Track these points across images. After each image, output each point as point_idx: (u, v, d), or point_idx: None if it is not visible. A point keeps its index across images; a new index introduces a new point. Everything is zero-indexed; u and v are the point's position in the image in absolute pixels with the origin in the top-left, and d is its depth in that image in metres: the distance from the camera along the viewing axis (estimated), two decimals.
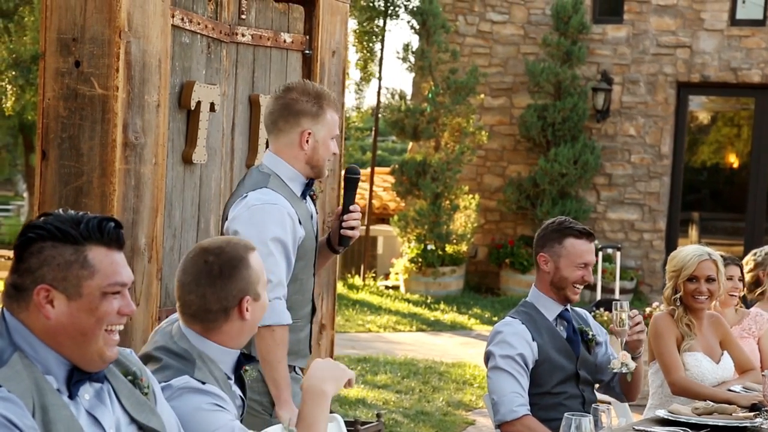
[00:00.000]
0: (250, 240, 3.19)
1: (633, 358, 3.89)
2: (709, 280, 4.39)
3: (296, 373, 3.73)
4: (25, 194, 24.86)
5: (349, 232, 3.74)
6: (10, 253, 12.80)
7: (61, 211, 2.33)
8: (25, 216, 21.90)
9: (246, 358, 2.88)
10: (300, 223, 3.58)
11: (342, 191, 3.82)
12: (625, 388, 4.08)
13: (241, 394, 2.89)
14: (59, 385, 2.28)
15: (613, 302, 3.89)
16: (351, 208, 3.74)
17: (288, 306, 3.58)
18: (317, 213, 3.82)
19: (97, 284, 2.28)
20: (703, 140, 14.75)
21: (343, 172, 3.89)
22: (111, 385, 2.40)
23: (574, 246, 3.93)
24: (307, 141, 3.61)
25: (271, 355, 3.48)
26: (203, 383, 2.70)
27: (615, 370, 3.86)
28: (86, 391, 2.34)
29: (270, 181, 3.61)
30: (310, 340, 3.80)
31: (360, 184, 3.97)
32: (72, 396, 2.30)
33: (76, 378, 2.31)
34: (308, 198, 3.73)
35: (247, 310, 2.76)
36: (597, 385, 4.23)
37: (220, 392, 2.70)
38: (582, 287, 3.97)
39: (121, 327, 2.35)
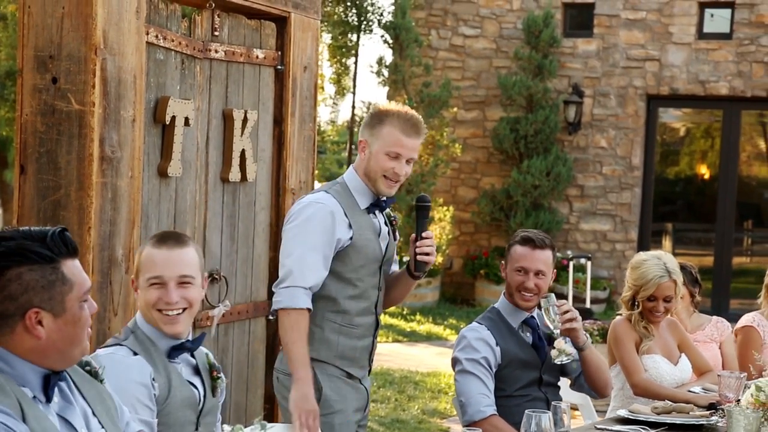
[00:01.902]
0: (288, 235, 3.71)
1: (580, 349, 4.02)
2: (667, 299, 4.53)
3: (350, 378, 3.89)
4: None
5: (425, 258, 3.84)
6: None
7: (10, 229, 2.35)
8: None
9: (192, 343, 3.20)
10: (350, 227, 3.76)
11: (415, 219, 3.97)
12: (590, 382, 4.20)
13: (204, 385, 3.22)
14: (35, 393, 2.34)
15: (541, 299, 4.01)
16: (423, 234, 3.84)
17: (342, 308, 3.78)
18: (395, 238, 3.97)
19: (76, 296, 2.36)
20: (678, 152, 14.96)
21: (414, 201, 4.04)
22: (71, 378, 2.49)
23: (515, 252, 4.12)
24: (364, 150, 3.82)
25: (284, 336, 3.69)
26: (134, 353, 3.07)
27: (555, 361, 3.98)
28: (55, 394, 2.41)
29: (333, 187, 3.85)
30: (371, 354, 3.94)
31: None
32: (49, 399, 2.37)
33: (52, 382, 2.38)
34: (380, 215, 3.89)
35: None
36: (569, 383, 4.36)
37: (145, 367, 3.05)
38: (533, 295, 4.08)
39: None
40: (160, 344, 3.15)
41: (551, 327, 3.97)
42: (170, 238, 3.18)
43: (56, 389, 2.43)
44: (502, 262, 4.19)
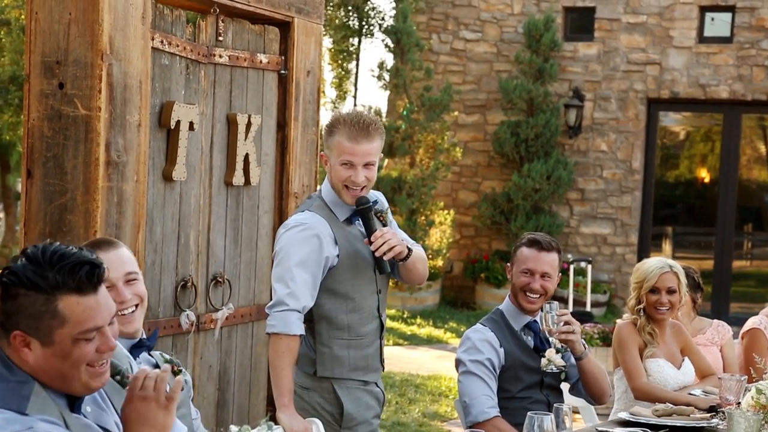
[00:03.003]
0: (277, 258, 3.73)
1: (578, 359, 4.05)
2: (670, 291, 4.57)
3: (377, 385, 3.96)
4: (1, 214, 24.79)
5: (389, 255, 3.77)
6: None
7: (39, 250, 2.31)
8: (1, 236, 21.88)
9: (149, 340, 3.15)
10: (336, 243, 3.79)
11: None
12: (587, 389, 4.24)
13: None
14: (65, 412, 2.35)
15: (544, 304, 4.04)
16: (372, 238, 3.77)
17: (345, 324, 3.82)
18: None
19: (68, 333, 2.30)
20: (678, 155, 14.98)
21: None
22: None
23: (522, 254, 4.16)
24: (326, 164, 3.86)
25: (275, 361, 3.73)
26: None
27: (543, 369, 4.01)
28: (87, 404, 2.42)
29: (314, 203, 3.88)
30: (381, 355, 3.99)
31: None
32: (77, 414, 2.38)
33: (77, 403, 2.38)
34: (363, 220, 3.86)
35: None
36: (568, 387, 4.39)
37: None
38: (538, 297, 4.11)
39: (107, 360, 2.39)
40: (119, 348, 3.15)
41: (547, 334, 4.01)
42: (103, 243, 3.17)
43: (91, 400, 2.44)
44: (508, 264, 4.24)
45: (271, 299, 3.97)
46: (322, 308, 3.84)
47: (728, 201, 13.76)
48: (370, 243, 3.79)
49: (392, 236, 3.78)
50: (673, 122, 14.87)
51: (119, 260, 3.12)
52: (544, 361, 3.99)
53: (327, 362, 3.85)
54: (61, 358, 2.30)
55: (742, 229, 14.36)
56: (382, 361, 4.02)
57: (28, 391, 2.28)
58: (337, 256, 3.80)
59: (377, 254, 3.78)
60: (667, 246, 14.52)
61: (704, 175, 14.73)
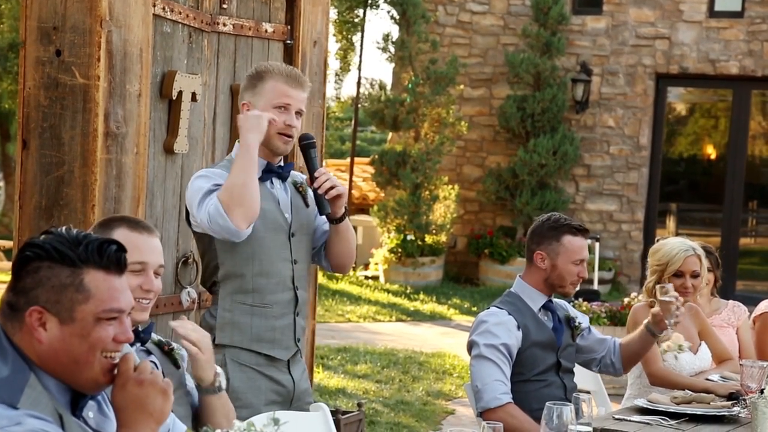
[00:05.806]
0: (189, 194, 3.49)
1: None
2: (694, 275, 4.47)
3: (273, 362, 3.63)
4: (1, 183, 24.70)
5: (331, 193, 3.57)
6: None
7: (63, 229, 2.24)
8: (1, 206, 21.79)
9: (144, 333, 2.93)
10: None
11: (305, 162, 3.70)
12: (629, 359, 4.14)
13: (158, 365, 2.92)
14: (64, 409, 2.22)
15: (660, 290, 3.99)
16: (315, 174, 3.59)
17: (252, 287, 3.56)
18: (307, 205, 3.71)
19: (91, 309, 2.20)
20: (682, 131, 14.84)
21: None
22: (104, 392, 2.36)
23: (571, 243, 3.96)
24: (248, 110, 3.56)
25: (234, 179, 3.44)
26: None
27: (677, 353, 4.14)
28: (90, 409, 2.30)
29: (220, 163, 3.66)
30: (294, 333, 3.68)
31: (339, 174, 3.93)
32: (77, 418, 2.26)
33: (81, 404, 2.26)
34: (280, 184, 3.66)
35: None
36: (592, 366, 4.25)
37: None
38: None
39: (119, 353, 2.27)
40: None
41: (669, 317, 4.00)
42: (145, 226, 2.94)
43: (94, 405, 2.31)
44: (540, 251, 3.96)
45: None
46: (225, 266, 3.56)
47: (736, 178, 13.63)
48: (313, 181, 3.58)
49: (332, 176, 3.62)
50: (679, 98, 14.71)
51: (158, 250, 2.91)
52: (671, 344, 4.14)
53: (227, 328, 3.56)
54: (80, 338, 2.19)
55: (747, 206, 14.24)
56: (297, 340, 3.70)
57: (23, 384, 2.15)
58: None
59: (320, 191, 3.56)
60: (672, 223, 14.41)
61: (711, 151, 14.60)
